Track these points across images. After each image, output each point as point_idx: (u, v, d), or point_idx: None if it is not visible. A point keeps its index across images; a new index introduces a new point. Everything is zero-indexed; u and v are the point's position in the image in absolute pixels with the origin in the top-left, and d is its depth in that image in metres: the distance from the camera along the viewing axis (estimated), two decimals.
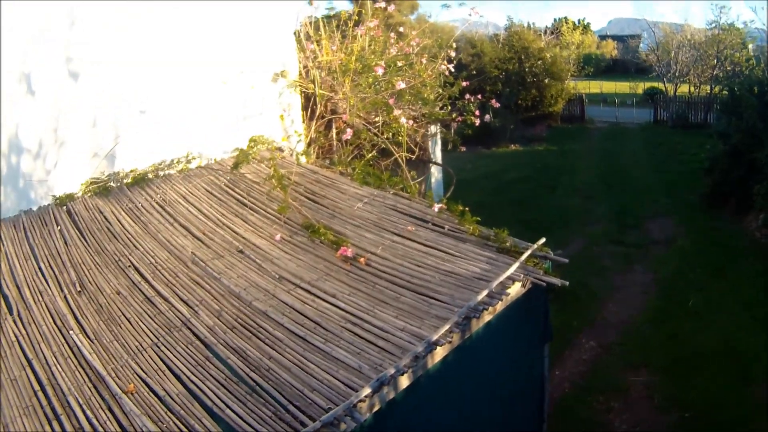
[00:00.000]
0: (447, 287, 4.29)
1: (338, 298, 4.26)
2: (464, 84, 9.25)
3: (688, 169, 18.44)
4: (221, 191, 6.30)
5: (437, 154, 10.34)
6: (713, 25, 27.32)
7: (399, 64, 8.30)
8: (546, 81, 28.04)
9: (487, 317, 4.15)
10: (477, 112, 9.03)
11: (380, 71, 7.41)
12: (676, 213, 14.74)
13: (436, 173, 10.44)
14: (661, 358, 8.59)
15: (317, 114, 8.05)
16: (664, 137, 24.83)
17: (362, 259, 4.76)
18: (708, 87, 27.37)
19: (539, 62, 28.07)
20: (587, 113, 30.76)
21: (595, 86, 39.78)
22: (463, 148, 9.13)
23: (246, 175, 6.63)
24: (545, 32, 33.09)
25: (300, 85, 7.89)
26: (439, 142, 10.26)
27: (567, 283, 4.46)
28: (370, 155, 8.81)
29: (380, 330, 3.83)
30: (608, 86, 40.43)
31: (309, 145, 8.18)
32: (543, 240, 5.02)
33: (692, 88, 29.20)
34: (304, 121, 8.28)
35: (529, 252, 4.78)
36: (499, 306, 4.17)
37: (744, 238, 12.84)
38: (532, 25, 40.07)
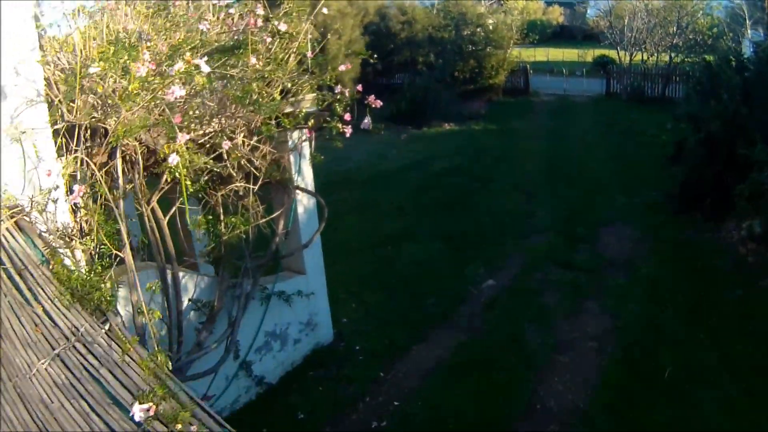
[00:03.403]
0: None
1: None
2: (342, 68, 6.14)
3: (649, 156, 15.60)
4: None
5: (304, 171, 7.10)
6: None
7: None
8: (487, 49, 24.86)
9: None
10: (348, 116, 5.93)
11: (142, 70, 4.12)
12: (638, 218, 11.77)
13: (305, 199, 7.21)
14: None
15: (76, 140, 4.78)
16: (619, 113, 21.92)
17: None
18: (667, 57, 24.36)
19: (478, 29, 24.87)
20: (532, 85, 27.64)
21: (541, 54, 36.79)
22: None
23: None
24: None
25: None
26: (307, 153, 7.02)
27: None
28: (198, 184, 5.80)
29: None
30: (555, 53, 37.52)
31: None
32: None
33: (647, 56, 26.22)
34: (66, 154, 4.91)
35: None
36: None
37: (724, 255, 9.94)
38: None
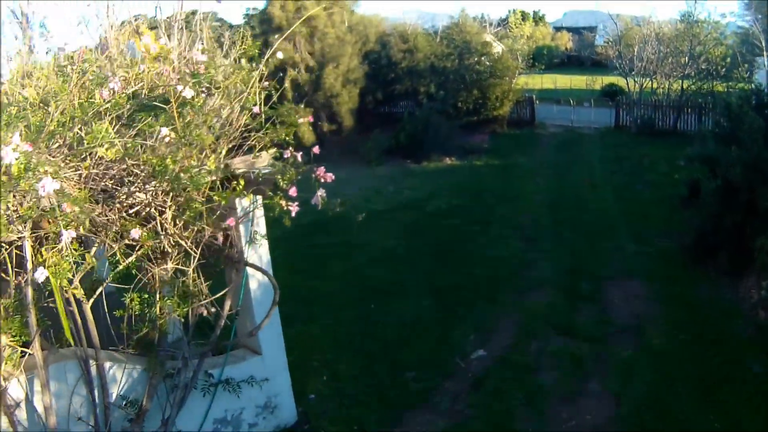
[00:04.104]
0: None
1: None
2: (302, 120, 5.28)
3: (660, 196, 14.63)
4: None
5: (257, 242, 6.11)
6: (686, 15, 23.16)
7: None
8: (492, 79, 23.92)
9: None
10: (293, 190, 5.01)
11: (11, 156, 3.27)
12: (648, 271, 10.70)
13: (259, 274, 6.20)
14: None
15: None
16: (628, 148, 20.96)
17: None
18: (678, 86, 23.26)
19: (482, 58, 24.00)
20: (538, 116, 26.69)
21: (548, 81, 35.90)
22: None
23: None
24: (490, 24, 28.98)
25: None
26: (261, 222, 6.06)
27: None
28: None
29: None
30: (563, 80, 36.66)
31: None
32: None
33: (655, 85, 25.06)
34: None
35: None
36: None
37: (742, 319, 8.88)
38: (486, 17, 36.03)
